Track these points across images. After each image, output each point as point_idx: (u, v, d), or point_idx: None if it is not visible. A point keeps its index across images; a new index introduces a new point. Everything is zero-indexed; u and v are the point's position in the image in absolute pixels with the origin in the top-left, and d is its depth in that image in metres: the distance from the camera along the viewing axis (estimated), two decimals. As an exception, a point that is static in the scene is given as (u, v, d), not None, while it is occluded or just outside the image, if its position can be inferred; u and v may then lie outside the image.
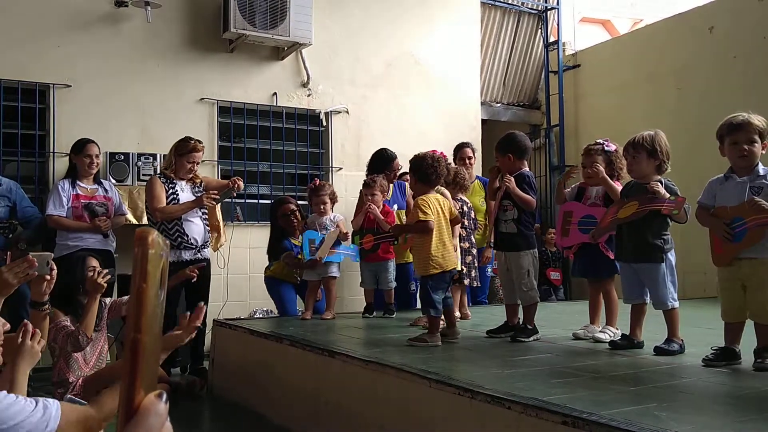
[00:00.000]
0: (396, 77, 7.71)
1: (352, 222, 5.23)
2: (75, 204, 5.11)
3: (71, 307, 3.98)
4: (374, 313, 5.22)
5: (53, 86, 6.03)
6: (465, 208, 4.94)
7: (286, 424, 3.92)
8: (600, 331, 4.03)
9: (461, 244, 4.81)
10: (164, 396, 0.86)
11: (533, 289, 4.13)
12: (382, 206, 5.11)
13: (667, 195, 3.53)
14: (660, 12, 8.96)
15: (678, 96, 7.89)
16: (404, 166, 5.98)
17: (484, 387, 2.69)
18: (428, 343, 3.87)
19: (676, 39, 8.03)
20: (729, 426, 2.32)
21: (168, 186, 5.09)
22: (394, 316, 5.15)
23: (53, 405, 1.54)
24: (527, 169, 4.29)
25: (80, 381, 3.93)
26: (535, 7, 9.39)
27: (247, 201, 6.94)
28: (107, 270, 3.91)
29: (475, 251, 5.01)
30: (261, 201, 6.98)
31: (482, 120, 8.57)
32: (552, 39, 9.42)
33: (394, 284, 5.26)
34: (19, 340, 2.22)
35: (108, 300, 4.18)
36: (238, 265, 6.50)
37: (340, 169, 7.29)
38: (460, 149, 5.77)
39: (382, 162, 5.57)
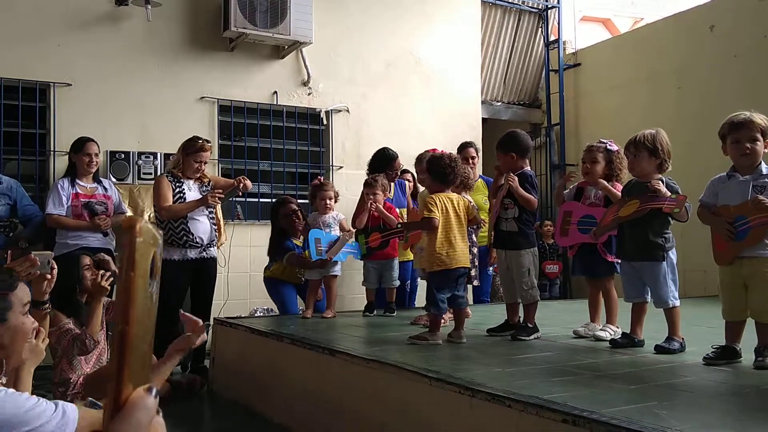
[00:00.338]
0: (396, 76, 7.70)
1: (355, 221, 5.22)
2: (74, 203, 5.11)
3: (72, 308, 3.99)
4: (375, 312, 5.22)
5: (54, 85, 6.03)
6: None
7: (286, 422, 3.92)
8: (600, 330, 4.02)
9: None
10: (153, 390, 0.84)
11: (534, 287, 4.12)
12: (383, 204, 5.10)
13: (668, 193, 3.53)
14: (660, 11, 8.96)
15: (678, 95, 7.88)
16: (405, 165, 5.99)
17: (484, 385, 2.69)
18: (428, 341, 3.87)
19: (677, 38, 8.02)
20: (729, 424, 2.32)
21: (175, 185, 5.09)
22: (394, 314, 5.15)
23: (71, 410, 1.53)
24: (529, 168, 4.29)
25: (81, 379, 3.93)
26: (535, 6, 9.39)
27: (248, 200, 6.94)
28: (109, 273, 3.91)
29: (476, 250, 4.99)
30: (261, 200, 6.98)
31: (483, 119, 8.56)
32: (552, 38, 9.41)
33: (398, 282, 5.26)
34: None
35: (106, 299, 4.18)
36: (239, 263, 6.50)
37: (341, 167, 7.28)
38: (464, 149, 5.77)
39: (383, 161, 5.56)
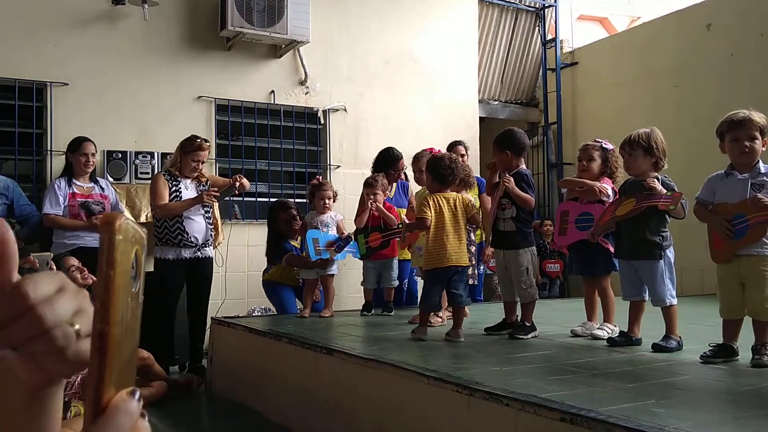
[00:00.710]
0: (394, 75, 7.70)
1: (355, 221, 5.22)
2: (71, 202, 5.10)
3: None
4: (373, 311, 5.22)
5: (50, 84, 6.02)
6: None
7: (284, 421, 3.92)
8: (598, 328, 4.03)
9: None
10: (137, 393, 0.82)
11: (532, 286, 4.13)
12: (383, 204, 5.10)
13: (664, 191, 3.54)
14: (657, 9, 8.96)
15: (676, 93, 7.89)
16: (405, 165, 5.98)
17: (482, 384, 2.69)
18: (414, 335, 3.99)
19: (674, 36, 8.03)
20: (727, 422, 2.32)
21: (172, 184, 5.09)
22: (392, 313, 5.15)
23: None
24: (524, 167, 4.29)
25: (79, 379, 3.92)
26: (532, 5, 9.39)
27: (245, 199, 6.93)
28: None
29: (473, 249, 4.99)
30: (259, 199, 6.98)
31: (480, 118, 8.57)
32: (549, 36, 9.42)
33: (396, 282, 5.26)
34: None
35: None
36: (237, 263, 6.50)
37: (338, 167, 7.28)
38: (453, 147, 5.76)
39: (387, 161, 5.56)
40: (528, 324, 4.10)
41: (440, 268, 4.03)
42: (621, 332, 3.83)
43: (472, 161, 7.38)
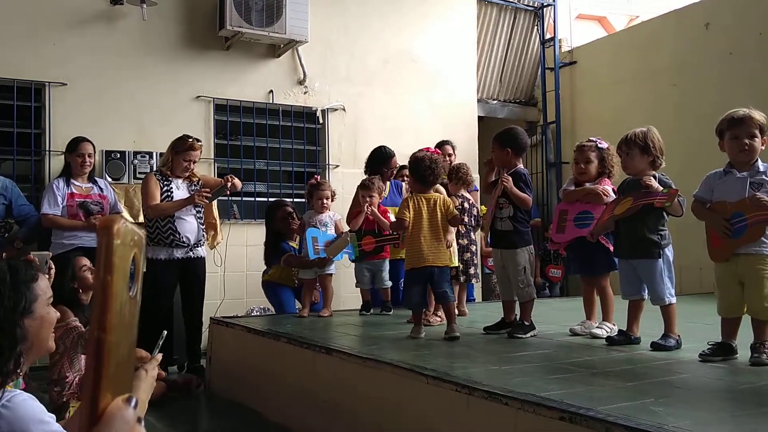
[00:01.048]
0: (392, 74, 7.70)
1: (350, 223, 5.21)
2: (70, 203, 5.09)
3: (77, 307, 4.02)
4: (371, 311, 5.22)
5: (49, 84, 6.01)
6: (466, 205, 4.94)
7: (283, 421, 3.92)
8: (597, 327, 4.03)
9: (459, 240, 4.81)
10: (133, 401, 0.80)
11: (530, 285, 4.13)
12: (378, 207, 5.10)
13: (661, 189, 3.54)
14: (656, 8, 8.96)
15: (674, 92, 7.89)
16: (401, 163, 5.98)
17: (481, 383, 2.69)
18: (410, 335, 4.07)
19: (672, 35, 8.03)
20: (725, 421, 2.32)
21: (163, 184, 5.08)
22: (391, 313, 5.15)
23: None
24: (522, 166, 4.29)
25: (77, 380, 3.93)
26: (531, 4, 9.39)
27: (244, 199, 6.93)
28: None
29: (474, 248, 5.00)
30: (257, 199, 6.97)
31: (479, 117, 8.56)
32: (548, 36, 9.41)
33: (389, 283, 5.25)
34: None
35: None
36: (235, 263, 6.50)
37: (337, 166, 7.28)
38: (441, 146, 5.76)
39: (380, 160, 5.55)
40: (527, 323, 4.10)
41: (417, 268, 4.10)
42: (620, 331, 3.83)
43: (471, 160, 7.39)
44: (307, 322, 4.82)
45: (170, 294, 5.11)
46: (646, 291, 3.71)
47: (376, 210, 5.00)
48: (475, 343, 3.97)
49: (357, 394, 3.44)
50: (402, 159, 5.85)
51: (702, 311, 4.71)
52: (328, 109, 7.30)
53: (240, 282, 6.57)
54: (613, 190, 4.10)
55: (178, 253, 5.08)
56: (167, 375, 4.82)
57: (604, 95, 8.72)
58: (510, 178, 4.10)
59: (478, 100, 8.67)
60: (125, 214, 5.71)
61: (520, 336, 4.02)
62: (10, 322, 1.53)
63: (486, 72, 9.21)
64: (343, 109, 7.39)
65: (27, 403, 1.44)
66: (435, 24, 8.06)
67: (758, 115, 3.21)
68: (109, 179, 5.91)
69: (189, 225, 5.11)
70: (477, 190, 5.57)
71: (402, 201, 4.36)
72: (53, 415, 1.48)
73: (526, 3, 9.36)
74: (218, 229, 5.88)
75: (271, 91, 7.02)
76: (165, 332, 1.29)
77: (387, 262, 5.21)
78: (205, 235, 5.38)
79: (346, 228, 5.25)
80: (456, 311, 4.28)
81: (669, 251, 3.65)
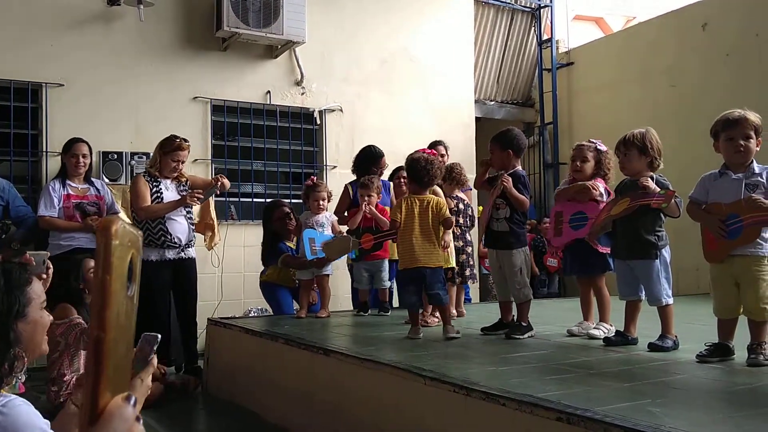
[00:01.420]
0: (390, 75, 7.70)
1: (348, 222, 5.21)
2: (66, 204, 5.08)
3: (83, 307, 4.05)
4: (369, 311, 5.21)
5: (46, 85, 6.00)
6: (461, 206, 4.94)
7: (280, 422, 3.92)
8: (594, 328, 4.03)
9: (455, 242, 4.81)
10: (132, 399, 0.81)
11: (526, 286, 4.13)
12: (376, 205, 5.10)
13: (658, 189, 3.55)
14: (653, 9, 8.99)
15: (671, 93, 7.91)
16: (398, 164, 5.97)
17: (478, 384, 2.69)
18: (408, 336, 4.08)
19: (669, 36, 8.05)
20: (722, 421, 2.32)
21: (153, 185, 5.08)
22: (388, 314, 5.15)
23: None
24: (520, 167, 4.30)
25: (74, 379, 3.92)
26: (528, 5, 9.40)
27: (241, 200, 6.93)
28: None
29: (470, 249, 5.00)
30: (255, 200, 6.97)
31: (476, 118, 8.57)
32: (545, 37, 9.44)
33: (388, 283, 5.25)
34: None
35: None
36: (233, 263, 6.49)
37: (335, 167, 7.28)
38: (434, 147, 5.76)
39: (369, 159, 5.54)
40: (524, 324, 4.10)
41: (410, 269, 4.11)
42: (617, 332, 3.84)
43: (468, 161, 7.41)
44: (304, 323, 4.82)
45: (165, 295, 5.10)
46: (643, 292, 3.71)
47: (374, 209, 5.00)
48: (473, 343, 3.98)
49: (355, 395, 3.44)
50: (399, 160, 5.85)
51: (699, 312, 4.72)
52: (325, 109, 7.30)
53: (237, 283, 6.57)
54: (606, 190, 4.11)
55: (170, 254, 5.07)
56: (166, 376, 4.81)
57: (602, 96, 8.73)
58: (510, 179, 4.10)
59: (476, 101, 8.68)
60: (122, 215, 5.70)
61: (517, 337, 4.02)
62: (4, 325, 1.53)
63: (483, 73, 9.22)
64: (341, 110, 7.39)
65: (22, 409, 1.44)
66: (432, 25, 8.06)
67: (753, 117, 3.22)
68: (106, 180, 5.91)
69: (180, 226, 5.10)
70: (471, 189, 5.57)
71: (396, 202, 4.38)
72: (48, 422, 1.48)
73: (523, 4, 9.38)
74: (216, 230, 5.87)
75: (269, 91, 7.02)
76: (159, 336, 1.28)
77: (386, 262, 5.21)
78: (195, 236, 5.36)
79: (342, 228, 5.25)
80: (451, 313, 4.28)
81: (666, 252, 3.66)
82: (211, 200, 5.81)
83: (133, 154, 6.22)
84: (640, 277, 3.67)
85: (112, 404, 0.78)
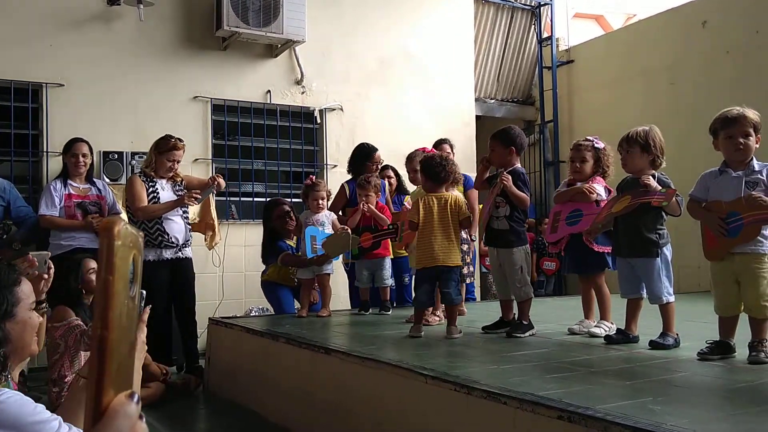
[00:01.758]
0: (390, 74, 7.70)
1: (347, 222, 5.21)
2: (67, 203, 5.08)
3: (80, 307, 4.04)
4: (370, 310, 5.21)
5: (46, 85, 6.01)
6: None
7: (282, 421, 3.92)
8: (595, 326, 4.03)
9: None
10: (135, 396, 0.82)
11: (527, 284, 4.13)
12: (375, 204, 5.10)
13: (659, 188, 3.54)
14: (653, 7, 8.97)
15: (671, 90, 7.90)
16: (399, 163, 5.97)
17: (480, 383, 2.69)
18: (410, 334, 4.08)
19: (669, 34, 8.04)
20: (724, 419, 2.33)
21: (148, 185, 5.08)
22: (390, 312, 5.15)
23: None
24: (520, 165, 4.29)
25: (74, 378, 3.92)
26: (528, 3, 9.40)
27: (242, 199, 6.93)
28: None
29: (466, 247, 4.98)
30: (255, 199, 6.98)
31: (476, 116, 8.57)
32: (545, 35, 9.43)
33: (390, 282, 5.25)
34: None
35: None
36: (234, 263, 6.50)
37: (335, 166, 7.28)
38: (439, 145, 5.77)
39: (363, 156, 5.57)
40: (525, 322, 4.10)
41: (428, 268, 4.10)
42: (618, 330, 3.83)
43: (469, 160, 7.42)
44: (305, 322, 4.82)
45: (164, 294, 5.10)
46: (644, 290, 3.71)
47: (373, 208, 5.00)
48: (474, 342, 3.98)
49: (356, 394, 3.44)
50: (399, 158, 5.85)
51: (700, 310, 4.72)
52: (325, 109, 7.31)
53: (238, 282, 6.57)
54: (606, 188, 4.10)
55: (167, 254, 5.08)
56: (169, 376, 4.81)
57: (602, 94, 8.73)
58: (509, 177, 4.09)
59: (476, 99, 8.68)
60: (123, 215, 5.70)
61: (518, 335, 4.02)
62: None
63: (483, 71, 9.22)
64: (341, 109, 7.39)
65: (15, 399, 1.44)
66: (432, 23, 8.06)
67: (752, 114, 3.21)
68: (107, 180, 5.92)
69: (177, 225, 5.11)
70: (472, 187, 5.56)
71: (413, 203, 4.37)
72: (43, 406, 1.48)
73: (523, 2, 9.37)
74: (216, 229, 5.88)
75: (269, 91, 7.02)
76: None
77: (388, 260, 5.21)
78: (192, 236, 5.36)
79: (342, 226, 5.24)
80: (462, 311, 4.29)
81: (667, 250, 3.65)
82: (212, 200, 5.81)
83: (133, 153, 6.23)
84: (641, 275, 3.67)
85: (115, 402, 0.80)
